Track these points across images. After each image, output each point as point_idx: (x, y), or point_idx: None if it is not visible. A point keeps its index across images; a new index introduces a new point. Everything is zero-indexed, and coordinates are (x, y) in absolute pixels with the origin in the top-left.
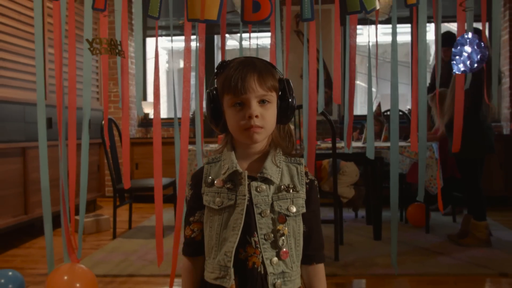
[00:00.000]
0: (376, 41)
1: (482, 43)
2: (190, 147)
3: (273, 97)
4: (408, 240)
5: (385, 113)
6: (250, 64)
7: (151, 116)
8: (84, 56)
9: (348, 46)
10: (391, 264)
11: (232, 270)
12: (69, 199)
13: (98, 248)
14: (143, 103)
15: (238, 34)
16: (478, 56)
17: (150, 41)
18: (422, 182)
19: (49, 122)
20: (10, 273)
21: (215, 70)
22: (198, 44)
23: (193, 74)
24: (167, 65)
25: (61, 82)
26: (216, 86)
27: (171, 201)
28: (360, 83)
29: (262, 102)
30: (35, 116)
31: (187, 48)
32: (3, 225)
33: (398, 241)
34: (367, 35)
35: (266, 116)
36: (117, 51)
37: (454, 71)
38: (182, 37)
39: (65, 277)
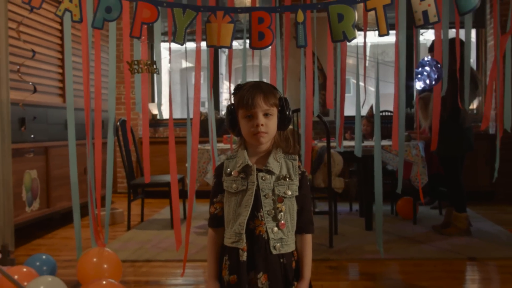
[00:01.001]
0: (364, 54)
1: (438, 64)
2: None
3: (274, 111)
4: (397, 231)
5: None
6: (257, 87)
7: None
8: (109, 66)
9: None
10: (377, 248)
11: (244, 236)
12: (95, 191)
13: (115, 238)
14: (150, 104)
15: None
16: (436, 75)
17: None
18: (400, 177)
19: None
20: (44, 257)
21: (233, 91)
22: (208, 65)
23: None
24: (169, 65)
25: (88, 89)
26: (233, 102)
27: (180, 196)
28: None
29: (266, 115)
30: (56, 118)
31: (197, 67)
32: (29, 217)
33: (387, 232)
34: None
35: (269, 125)
36: (152, 69)
37: (416, 87)
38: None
39: (94, 259)
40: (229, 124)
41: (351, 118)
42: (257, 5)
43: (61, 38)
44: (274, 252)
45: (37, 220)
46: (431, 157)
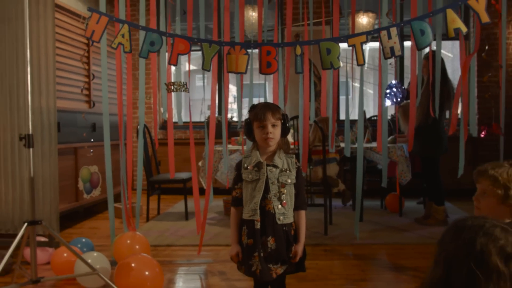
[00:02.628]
0: (352, 66)
1: (403, 87)
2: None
3: (279, 123)
4: (384, 222)
5: (371, 118)
6: (267, 107)
7: (179, 122)
8: (139, 82)
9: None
10: (354, 232)
11: (258, 211)
12: (127, 185)
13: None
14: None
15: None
16: (400, 95)
17: None
18: (385, 173)
19: (94, 127)
20: (83, 240)
21: (249, 109)
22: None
23: (199, 76)
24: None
25: (121, 98)
26: (249, 117)
27: (191, 193)
28: (357, 85)
29: (273, 126)
30: (83, 121)
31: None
32: (62, 209)
33: (377, 222)
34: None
35: (275, 133)
36: (183, 89)
37: (385, 104)
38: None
39: (128, 241)
40: (247, 132)
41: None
42: (263, 25)
43: (88, 51)
44: (279, 222)
45: (67, 212)
46: (414, 157)
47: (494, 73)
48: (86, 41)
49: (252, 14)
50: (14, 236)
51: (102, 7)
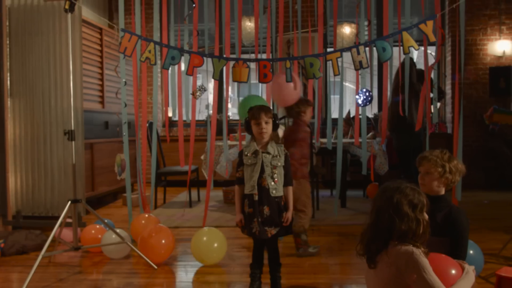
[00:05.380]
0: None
1: (370, 92)
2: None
3: (270, 121)
4: (364, 208)
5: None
6: (261, 108)
7: (186, 120)
8: (153, 83)
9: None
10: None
11: (256, 187)
12: (143, 174)
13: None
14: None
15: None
16: (369, 99)
17: None
18: (365, 164)
19: (106, 125)
20: (106, 220)
21: (248, 110)
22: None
23: (199, 76)
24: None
25: (137, 100)
26: (248, 116)
27: (195, 185)
28: (349, 84)
29: (266, 123)
30: (98, 120)
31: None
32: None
33: (358, 209)
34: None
35: (268, 128)
36: (204, 89)
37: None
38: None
39: (143, 221)
40: (246, 128)
41: (334, 120)
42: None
43: (101, 57)
44: (272, 195)
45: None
46: (391, 151)
47: (465, 75)
48: (99, 48)
49: (248, 24)
50: (45, 218)
51: (121, 22)
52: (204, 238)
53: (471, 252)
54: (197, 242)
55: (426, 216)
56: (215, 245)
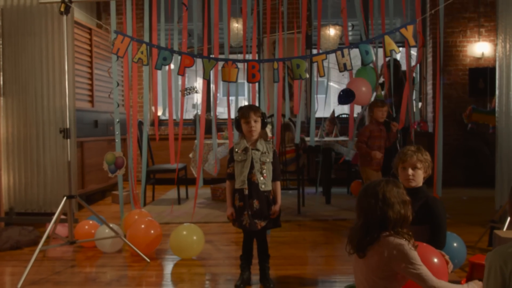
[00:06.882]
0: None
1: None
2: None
3: (259, 119)
4: (348, 204)
5: (339, 116)
6: (251, 108)
7: (176, 119)
8: (144, 84)
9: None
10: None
11: (246, 182)
12: (133, 171)
13: None
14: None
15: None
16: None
17: None
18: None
19: (96, 123)
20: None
21: (238, 109)
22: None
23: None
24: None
25: (128, 99)
26: (238, 115)
27: (183, 182)
28: (333, 84)
29: (255, 121)
30: (88, 118)
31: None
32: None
33: (341, 205)
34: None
35: (257, 126)
36: (196, 91)
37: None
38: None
39: (136, 216)
40: (236, 126)
41: (319, 119)
42: (246, 30)
43: (91, 57)
44: (261, 189)
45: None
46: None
47: (447, 76)
48: (89, 48)
49: (236, 25)
50: (38, 214)
51: (113, 24)
52: (184, 232)
53: (455, 244)
54: (176, 237)
55: (408, 198)
56: (194, 238)
